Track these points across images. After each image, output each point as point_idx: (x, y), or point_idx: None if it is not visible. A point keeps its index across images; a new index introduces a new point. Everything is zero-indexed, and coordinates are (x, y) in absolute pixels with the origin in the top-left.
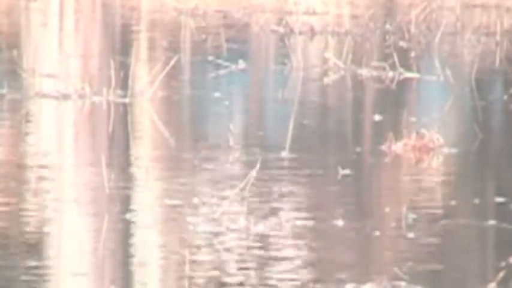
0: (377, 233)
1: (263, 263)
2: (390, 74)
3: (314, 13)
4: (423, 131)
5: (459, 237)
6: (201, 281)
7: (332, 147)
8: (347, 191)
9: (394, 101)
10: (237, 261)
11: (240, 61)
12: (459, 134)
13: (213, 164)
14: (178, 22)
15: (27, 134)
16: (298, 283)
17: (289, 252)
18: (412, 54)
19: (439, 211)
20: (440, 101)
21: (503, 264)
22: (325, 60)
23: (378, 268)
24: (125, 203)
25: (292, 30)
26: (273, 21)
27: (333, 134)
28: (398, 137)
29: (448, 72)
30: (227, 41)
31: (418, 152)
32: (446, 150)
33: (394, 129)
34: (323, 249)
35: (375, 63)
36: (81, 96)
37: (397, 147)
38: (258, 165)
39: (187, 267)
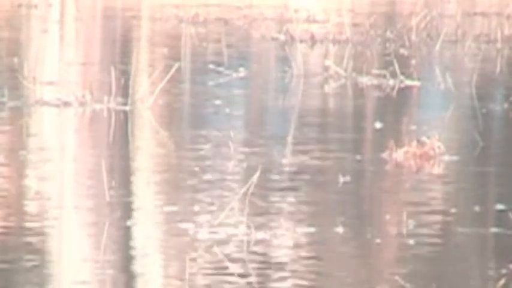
0: (378, 240)
1: (263, 271)
2: (391, 81)
3: (315, 21)
4: (424, 138)
5: (460, 244)
6: None
7: (333, 154)
8: (348, 199)
9: (395, 108)
10: (238, 269)
11: (241, 69)
12: (460, 142)
13: (213, 171)
14: (179, 30)
15: (27, 141)
16: None
17: (289, 259)
18: (413, 61)
19: (440, 218)
20: (441, 109)
21: (504, 271)
22: (325, 68)
23: (379, 275)
24: (126, 211)
25: (292, 38)
26: (273, 29)
27: (334, 141)
28: (399, 144)
29: (449, 80)
30: (228, 48)
31: (419, 160)
32: (447, 157)
33: (395, 137)
34: (324, 256)
35: (375, 71)
36: (82, 104)
37: (398, 154)
38: (258, 173)
39: (187, 275)
